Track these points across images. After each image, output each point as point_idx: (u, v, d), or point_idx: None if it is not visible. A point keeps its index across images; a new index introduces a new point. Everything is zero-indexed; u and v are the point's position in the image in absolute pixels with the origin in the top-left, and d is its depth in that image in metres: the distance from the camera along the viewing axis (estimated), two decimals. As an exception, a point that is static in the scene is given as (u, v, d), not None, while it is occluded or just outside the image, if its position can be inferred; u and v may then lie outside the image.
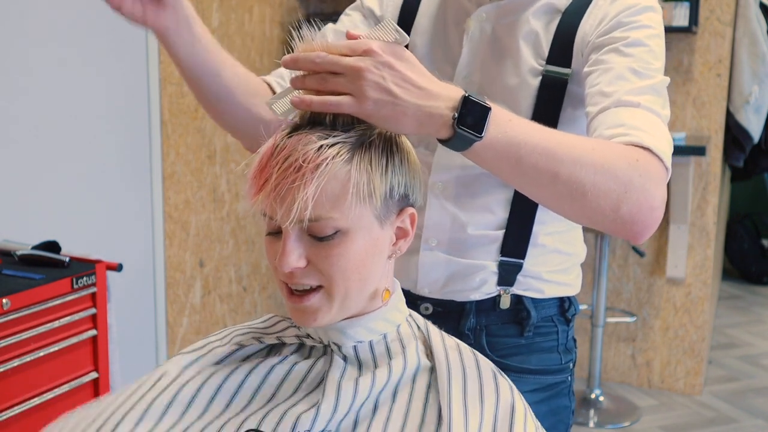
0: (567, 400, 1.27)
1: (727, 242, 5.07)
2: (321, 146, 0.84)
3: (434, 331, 0.97)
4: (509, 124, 0.88)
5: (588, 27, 1.11)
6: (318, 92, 0.86)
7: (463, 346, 0.96)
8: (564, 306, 1.25)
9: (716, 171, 3.24)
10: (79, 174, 2.38)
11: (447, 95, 0.86)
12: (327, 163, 0.83)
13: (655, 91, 1.02)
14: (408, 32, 1.19)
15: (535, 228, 1.19)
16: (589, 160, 0.89)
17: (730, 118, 3.25)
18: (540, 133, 0.90)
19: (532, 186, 0.92)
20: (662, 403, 3.33)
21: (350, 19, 1.29)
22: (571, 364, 1.27)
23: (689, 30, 3.11)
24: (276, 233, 0.88)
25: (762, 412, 3.24)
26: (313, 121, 0.88)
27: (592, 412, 3.22)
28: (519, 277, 1.19)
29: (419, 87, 0.85)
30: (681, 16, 3.10)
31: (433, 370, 0.92)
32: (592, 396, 3.27)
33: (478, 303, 1.20)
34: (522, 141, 0.88)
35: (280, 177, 0.84)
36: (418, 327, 0.97)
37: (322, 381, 0.90)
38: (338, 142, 0.85)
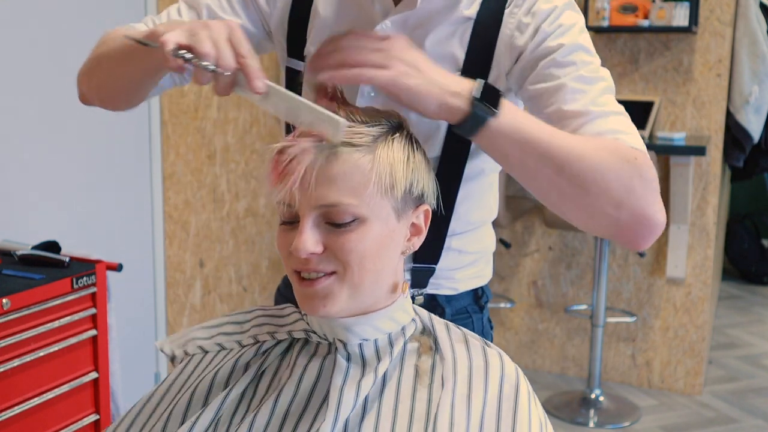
0: None
1: (727, 242, 5.07)
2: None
3: (439, 325, 0.97)
4: (518, 112, 0.92)
5: (508, 38, 1.04)
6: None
7: (470, 335, 0.97)
8: (477, 294, 1.23)
9: (716, 171, 3.24)
10: (79, 174, 2.38)
11: (461, 80, 0.92)
12: (350, 151, 0.85)
13: (609, 89, 1.02)
14: (303, 38, 1.12)
15: (447, 237, 1.15)
16: (595, 158, 0.91)
17: (730, 118, 3.25)
18: (546, 127, 0.93)
19: (537, 178, 0.93)
20: (662, 403, 3.33)
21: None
22: None
23: (689, 30, 3.10)
24: (290, 223, 0.89)
25: (762, 412, 3.24)
26: None
27: (592, 412, 3.22)
28: (431, 279, 1.17)
29: (440, 72, 0.91)
30: (681, 16, 3.10)
31: (435, 364, 0.92)
32: (592, 396, 3.27)
33: None
34: (531, 130, 0.91)
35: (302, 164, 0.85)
36: (423, 324, 0.97)
37: (326, 394, 0.91)
38: (361, 133, 0.87)
